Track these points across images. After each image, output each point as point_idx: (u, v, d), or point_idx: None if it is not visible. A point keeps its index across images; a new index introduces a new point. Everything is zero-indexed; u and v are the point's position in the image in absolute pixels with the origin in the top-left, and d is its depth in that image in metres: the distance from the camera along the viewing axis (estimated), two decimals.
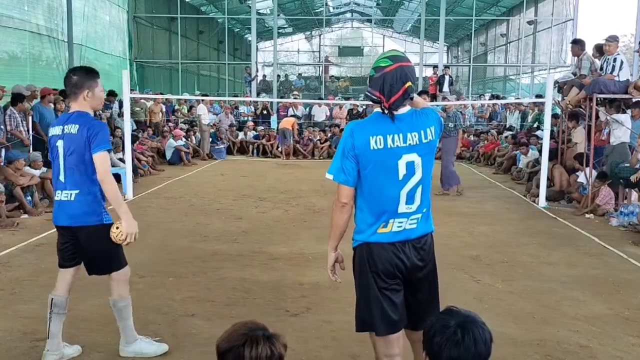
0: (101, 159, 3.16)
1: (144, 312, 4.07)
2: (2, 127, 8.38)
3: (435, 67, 20.76)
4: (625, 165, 7.94)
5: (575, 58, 9.61)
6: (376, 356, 2.61)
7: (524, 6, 23.52)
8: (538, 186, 9.02)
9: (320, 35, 31.18)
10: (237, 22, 29.39)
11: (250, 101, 18.02)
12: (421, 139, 2.48)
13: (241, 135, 16.32)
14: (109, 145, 3.19)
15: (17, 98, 8.89)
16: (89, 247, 3.29)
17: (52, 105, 9.97)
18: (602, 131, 8.84)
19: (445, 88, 16.84)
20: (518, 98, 20.73)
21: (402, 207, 2.49)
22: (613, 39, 8.36)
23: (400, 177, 2.47)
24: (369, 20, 30.89)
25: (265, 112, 17.72)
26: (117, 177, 9.77)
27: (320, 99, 19.64)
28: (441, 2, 20.34)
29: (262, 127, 16.75)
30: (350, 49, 30.39)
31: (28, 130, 9.10)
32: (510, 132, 14.71)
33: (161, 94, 17.77)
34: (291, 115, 16.40)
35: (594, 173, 8.31)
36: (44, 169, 8.43)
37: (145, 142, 12.81)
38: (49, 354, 3.32)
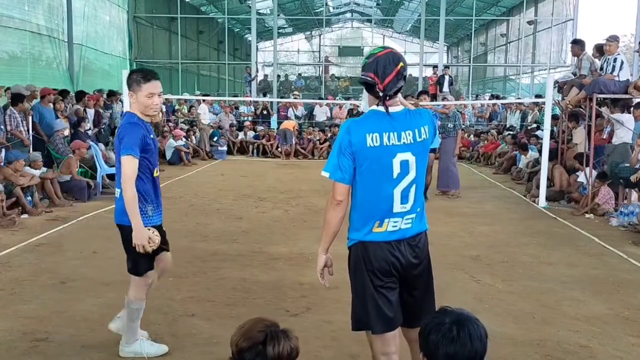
0: (124, 163, 3.19)
1: (144, 312, 4.05)
2: (2, 127, 8.38)
3: (435, 67, 20.78)
4: (625, 165, 7.94)
5: (575, 58, 9.61)
6: (373, 354, 2.62)
7: (524, 6, 23.52)
8: (538, 186, 9.02)
9: (320, 35, 31.19)
10: (237, 22, 29.39)
11: (250, 101, 18.03)
12: (415, 138, 2.49)
13: (241, 135, 16.33)
14: (132, 150, 3.16)
15: (17, 98, 8.89)
16: (123, 245, 3.39)
17: (51, 105, 9.98)
18: (602, 130, 8.84)
19: (445, 88, 16.84)
20: (519, 98, 20.72)
21: (397, 207, 2.50)
22: (613, 39, 8.35)
23: (395, 175, 2.48)
24: (369, 20, 30.87)
25: (265, 112, 17.72)
26: None
27: (320, 99, 19.64)
28: (441, 2, 20.34)
29: (262, 127, 16.75)
30: (350, 49, 30.38)
31: (28, 130, 9.10)
32: (510, 132, 14.71)
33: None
34: (289, 117, 16.43)
35: (594, 173, 8.31)
36: (44, 169, 8.43)
37: None
38: (116, 318, 3.60)
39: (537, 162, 10.63)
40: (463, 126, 13.62)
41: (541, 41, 24.32)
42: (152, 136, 3.34)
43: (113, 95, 12.99)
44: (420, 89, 18.37)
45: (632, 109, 8.49)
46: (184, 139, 14.15)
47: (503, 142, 14.18)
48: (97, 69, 17.84)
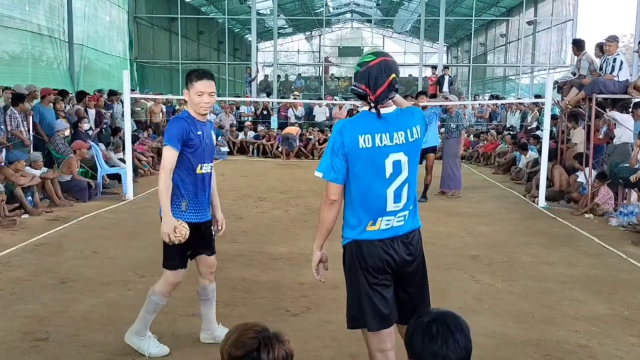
0: (163, 152, 3.33)
1: None
2: (2, 127, 8.39)
3: (434, 67, 20.78)
4: (625, 165, 7.95)
5: (575, 58, 9.61)
6: (369, 352, 2.64)
7: (523, 6, 23.52)
8: (538, 186, 9.02)
9: (320, 36, 31.17)
10: (237, 22, 29.40)
11: (250, 101, 18.04)
12: (407, 138, 2.52)
13: (241, 135, 16.34)
14: (171, 142, 3.25)
15: (17, 98, 8.89)
16: None
17: (52, 105, 9.98)
18: (599, 130, 8.84)
19: (445, 88, 16.85)
20: (519, 98, 20.73)
21: (390, 206, 2.53)
22: (613, 39, 8.36)
23: (387, 175, 2.51)
24: (369, 21, 30.86)
25: (265, 112, 17.73)
26: (118, 177, 9.80)
27: (320, 99, 19.65)
28: (441, 2, 20.35)
29: (262, 127, 16.75)
30: (350, 49, 30.36)
31: (28, 131, 9.11)
32: (510, 132, 14.71)
33: (161, 94, 17.77)
34: (293, 123, 16.48)
35: (594, 173, 8.31)
36: (45, 169, 8.43)
37: (146, 143, 12.81)
38: (202, 332, 3.71)
39: (536, 162, 10.63)
40: (466, 126, 13.58)
41: (541, 41, 24.33)
42: (199, 133, 3.35)
43: (113, 95, 12.98)
44: (420, 89, 18.39)
45: (631, 109, 8.51)
46: None
47: (503, 142, 14.19)
48: (98, 69, 17.86)
